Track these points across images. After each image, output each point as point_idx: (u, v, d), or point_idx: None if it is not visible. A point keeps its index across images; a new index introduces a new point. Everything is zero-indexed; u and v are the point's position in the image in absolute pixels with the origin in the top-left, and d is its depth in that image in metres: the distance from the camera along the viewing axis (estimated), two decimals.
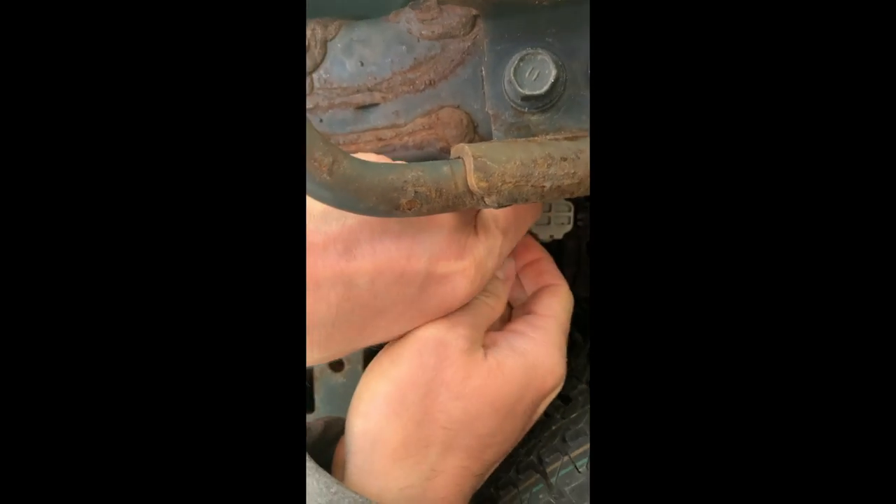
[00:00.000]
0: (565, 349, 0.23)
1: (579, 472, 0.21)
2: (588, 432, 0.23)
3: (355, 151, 0.25)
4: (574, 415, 0.25)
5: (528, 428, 0.23)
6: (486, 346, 0.22)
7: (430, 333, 0.21)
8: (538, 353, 0.22)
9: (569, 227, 0.29)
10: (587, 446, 0.22)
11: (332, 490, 0.19)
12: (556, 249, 0.31)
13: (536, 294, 0.25)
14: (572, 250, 0.34)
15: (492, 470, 0.23)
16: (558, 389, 0.23)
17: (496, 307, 0.23)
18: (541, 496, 0.22)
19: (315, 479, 0.19)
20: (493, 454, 0.22)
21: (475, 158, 0.18)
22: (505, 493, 0.24)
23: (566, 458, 0.22)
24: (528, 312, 0.24)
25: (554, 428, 0.25)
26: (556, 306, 0.24)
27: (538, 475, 0.23)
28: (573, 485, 0.21)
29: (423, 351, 0.21)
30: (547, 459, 0.24)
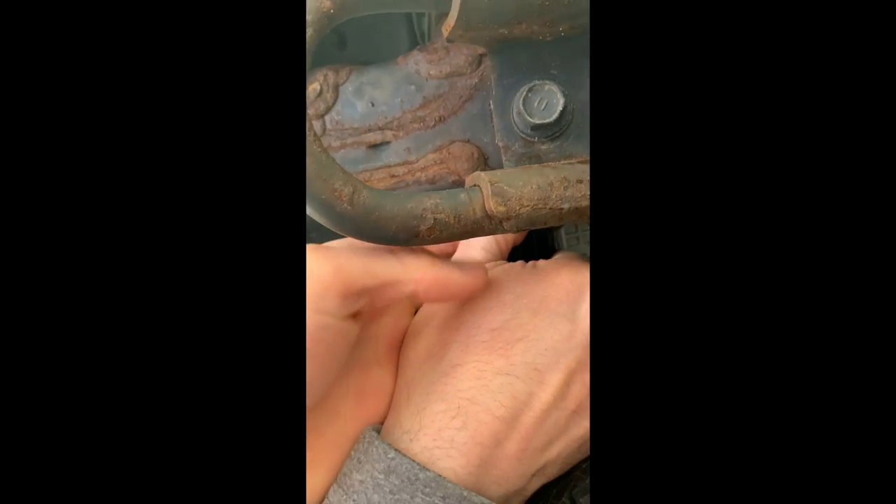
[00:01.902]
0: (585, 265, 0.22)
1: None
2: None
3: None
4: None
5: (573, 331, 0.20)
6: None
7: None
8: (547, 262, 0.23)
9: None
10: None
11: (390, 456, 0.19)
12: None
13: None
14: None
15: (540, 385, 0.20)
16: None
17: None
18: None
19: (374, 447, 0.19)
20: (523, 351, 0.20)
21: (492, 184, 0.18)
22: None
23: None
24: None
25: (584, 466, 0.24)
26: (568, 253, 0.25)
27: None
28: None
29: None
30: (581, 501, 0.22)
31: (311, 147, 0.16)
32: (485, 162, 0.25)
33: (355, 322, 0.19)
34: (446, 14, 0.20)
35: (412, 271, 0.19)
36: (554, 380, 0.20)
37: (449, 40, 0.21)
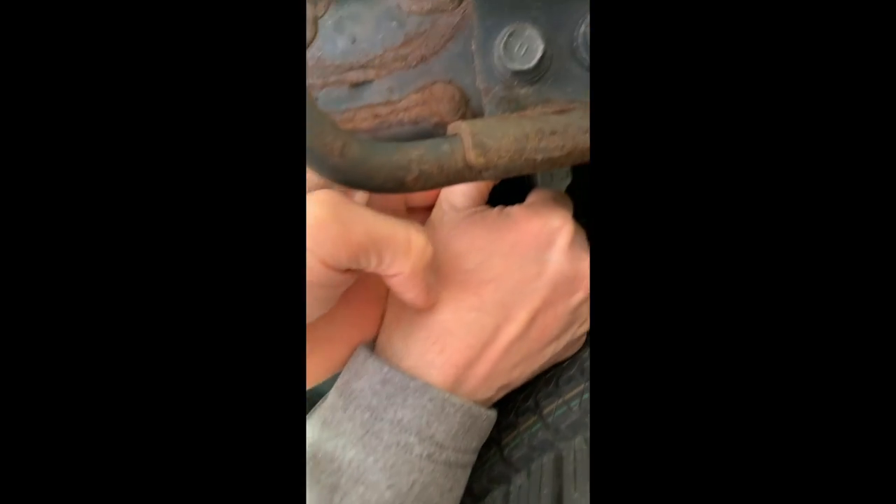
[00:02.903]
0: (555, 206, 0.25)
1: (573, 410, 0.24)
2: (579, 377, 0.26)
3: (353, 129, 0.26)
4: (566, 363, 0.28)
5: (541, 271, 0.23)
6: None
7: (430, 216, 0.26)
8: (519, 207, 0.25)
9: (569, 180, 0.30)
10: (580, 388, 0.24)
11: (385, 370, 0.22)
12: None
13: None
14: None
15: (507, 319, 0.23)
16: (564, 235, 0.24)
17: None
18: (539, 434, 0.25)
19: (370, 363, 0.23)
20: (493, 290, 0.23)
21: (472, 136, 0.19)
22: (507, 434, 0.27)
23: (560, 400, 0.25)
24: None
25: (548, 375, 0.28)
26: (536, 193, 0.27)
27: (536, 416, 0.26)
28: (567, 422, 0.24)
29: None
30: (543, 403, 0.27)
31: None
32: (466, 104, 0.25)
33: (353, 275, 0.21)
34: None
35: (402, 262, 0.20)
36: (520, 316, 0.23)
37: None
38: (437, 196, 0.27)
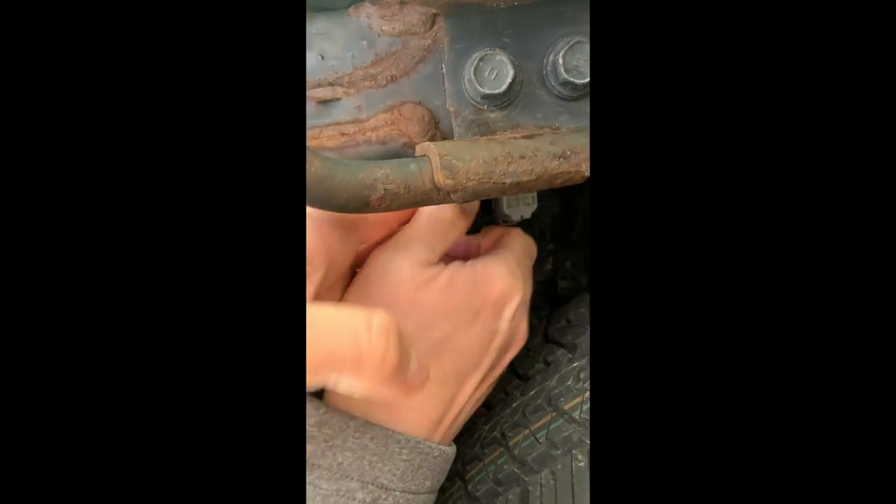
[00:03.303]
0: (518, 270, 0.24)
1: (539, 442, 0.23)
2: (545, 407, 0.25)
3: (318, 146, 0.25)
4: (532, 392, 0.27)
5: (492, 339, 0.23)
6: (445, 263, 0.24)
7: (385, 258, 0.23)
8: (487, 266, 0.24)
9: (534, 206, 0.30)
10: (546, 419, 0.24)
11: (321, 411, 0.20)
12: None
13: (495, 241, 0.27)
14: (537, 228, 0.36)
15: (461, 386, 0.23)
16: (514, 302, 0.24)
17: (457, 222, 0.24)
18: (505, 466, 0.24)
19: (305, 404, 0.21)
20: (454, 360, 0.22)
21: (441, 157, 0.19)
22: (471, 467, 0.26)
23: (527, 430, 0.24)
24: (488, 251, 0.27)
25: (514, 405, 0.27)
26: (509, 242, 0.26)
27: (502, 448, 0.25)
28: (534, 454, 0.23)
29: (380, 276, 0.23)
30: (509, 434, 0.26)
31: None
32: (436, 125, 0.25)
33: None
34: None
35: (357, 380, 0.14)
36: (473, 380, 0.23)
37: (403, 2, 0.20)
38: (409, 218, 0.26)
